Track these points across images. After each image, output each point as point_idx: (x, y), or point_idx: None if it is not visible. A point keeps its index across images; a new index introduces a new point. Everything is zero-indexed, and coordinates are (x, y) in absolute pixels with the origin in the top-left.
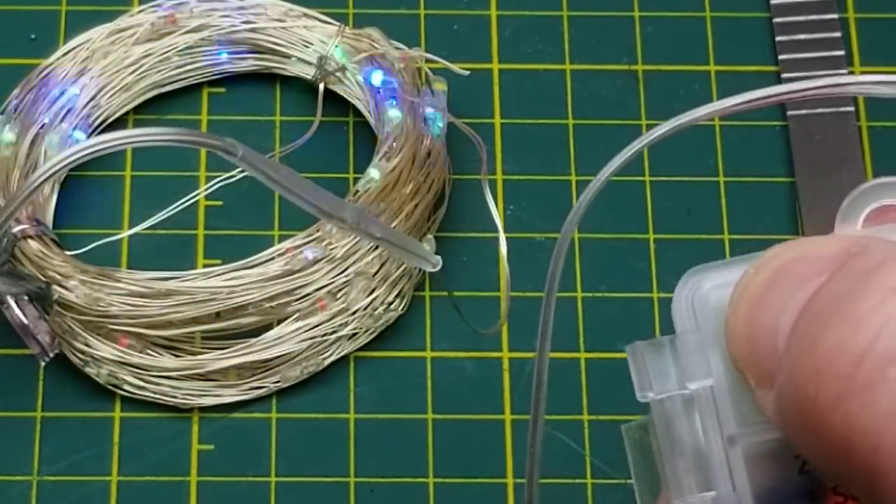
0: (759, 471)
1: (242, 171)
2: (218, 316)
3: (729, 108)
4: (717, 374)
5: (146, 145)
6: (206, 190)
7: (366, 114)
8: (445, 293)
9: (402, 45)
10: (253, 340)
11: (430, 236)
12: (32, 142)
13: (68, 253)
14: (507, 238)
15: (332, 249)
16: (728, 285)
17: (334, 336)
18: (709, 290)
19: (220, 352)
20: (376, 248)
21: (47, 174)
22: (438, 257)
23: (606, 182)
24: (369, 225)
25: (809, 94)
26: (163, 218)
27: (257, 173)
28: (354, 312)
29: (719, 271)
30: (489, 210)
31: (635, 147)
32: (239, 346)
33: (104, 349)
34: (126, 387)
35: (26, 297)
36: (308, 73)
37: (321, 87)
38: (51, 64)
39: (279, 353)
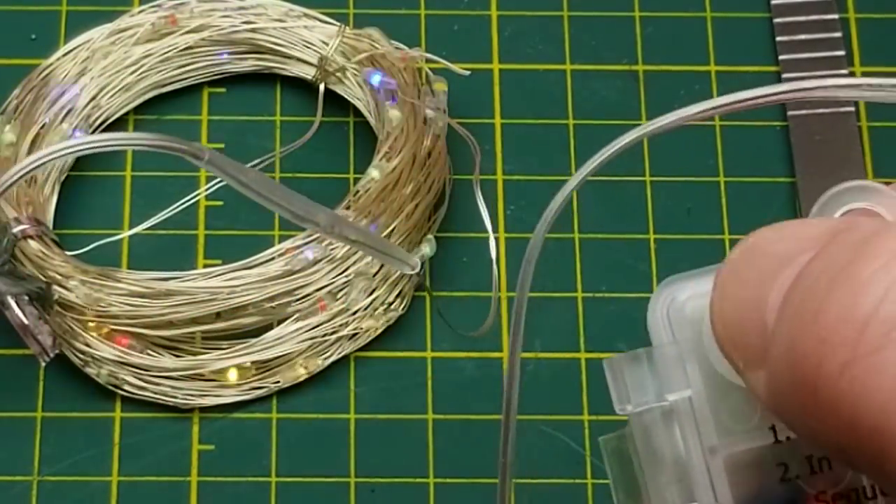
0: (741, 480)
1: None
2: (218, 316)
3: (719, 107)
4: (696, 384)
5: (114, 149)
6: (206, 190)
7: (366, 114)
8: (428, 292)
9: (402, 46)
10: (253, 341)
11: (430, 236)
12: (33, 142)
13: (68, 253)
14: (507, 238)
15: (332, 250)
16: (703, 295)
17: (334, 336)
18: (684, 301)
19: (221, 352)
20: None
21: (10, 182)
22: (417, 260)
23: (585, 181)
24: (344, 228)
25: (801, 95)
26: (163, 218)
27: (226, 177)
28: (355, 312)
29: (694, 281)
30: (480, 211)
31: (613, 149)
32: (239, 347)
33: (104, 349)
34: (126, 387)
35: (26, 297)
36: (308, 73)
37: (321, 87)
38: (51, 64)
39: (279, 354)
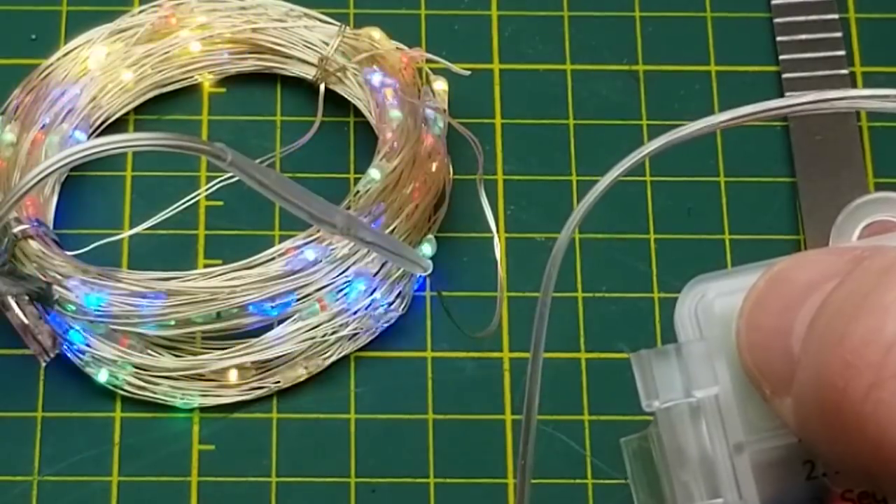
0: (766, 478)
1: None
2: (218, 316)
3: (722, 123)
4: (724, 381)
5: (136, 150)
6: (206, 190)
7: (366, 114)
8: (439, 294)
9: (402, 45)
10: (253, 340)
11: (430, 237)
12: (33, 142)
13: (69, 253)
14: (507, 238)
15: (332, 250)
16: (732, 293)
17: (335, 336)
18: (713, 299)
19: (221, 352)
20: None
21: (23, 191)
22: (430, 262)
23: (596, 201)
24: (360, 230)
25: (798, 109)
26: (163, 218)
27: (247, 178)
28: (355, 312)
29: (723, 280)
30: (480, 211)
31: (622, 168)
32: (239, 346)
33: (104, 349)
34: (126, 387)
35: (27, 297)
36: (309, 73)
37: (322, 87)
38: (51, 64)
39: (280, 354)
